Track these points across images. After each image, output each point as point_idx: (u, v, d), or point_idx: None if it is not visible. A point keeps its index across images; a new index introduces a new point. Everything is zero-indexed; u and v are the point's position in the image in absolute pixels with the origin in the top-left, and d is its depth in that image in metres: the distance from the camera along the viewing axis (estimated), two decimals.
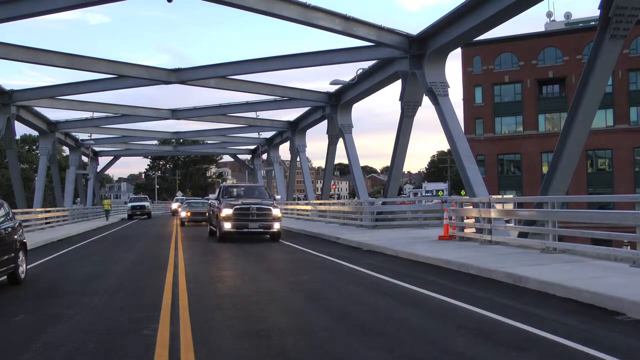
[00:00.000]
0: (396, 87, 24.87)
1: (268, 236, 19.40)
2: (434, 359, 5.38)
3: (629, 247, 14.55)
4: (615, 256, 10.30)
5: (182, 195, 54.67)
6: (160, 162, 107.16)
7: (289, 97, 30.75)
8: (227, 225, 18.50)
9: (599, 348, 5.44)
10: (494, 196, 18.59)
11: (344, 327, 6.59)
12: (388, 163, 26.85)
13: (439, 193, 76.38)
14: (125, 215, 46.13)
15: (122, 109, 34.20)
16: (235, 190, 22.33)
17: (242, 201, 19.33)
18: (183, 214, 32.60)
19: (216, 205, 20.31)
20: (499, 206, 14.73)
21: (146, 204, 47.70)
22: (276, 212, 18.93)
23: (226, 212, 18.60)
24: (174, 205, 46.12)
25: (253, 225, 18.55)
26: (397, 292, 8.99)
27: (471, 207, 15.37)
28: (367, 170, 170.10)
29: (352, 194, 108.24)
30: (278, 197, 20.32)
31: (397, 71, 22.51)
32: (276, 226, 18.77)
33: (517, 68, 54.12)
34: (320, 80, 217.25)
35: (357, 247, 16.41)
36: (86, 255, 16.10)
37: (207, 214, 27.21)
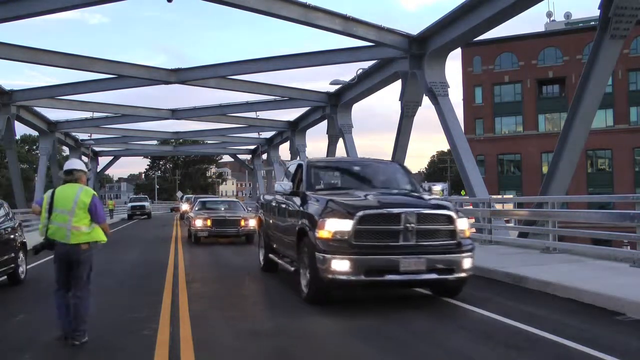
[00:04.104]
0: (396, 87, 24.84)
1: (430, 290, 8.42)
2: (433, 359, 5.38)
3: (629, 247, 14.54)
4: (615, 256, 10.31)
5: (183, 195, 53.29)
6: (160, 162, 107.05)
7: (288, 97, 30.69)
8: (343, 266, 7.24)
9: (599, 348, 5.44)
10: (494, 196, 18.63)
11: (343, 327, 6.60)
12: None
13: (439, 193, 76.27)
14: (125, 215, 46.22)
15: (122, 109, 34.12)
16: (334, 172, 10.17)
17: (379, 199, 7.91)
18: (199, 223, 18.62)
19: (289, 206, 9.26)
20: (498, 206, 14.74)
21: (146, 204, 47.84)
22: (463, 225, 7.78)
23: (336, 225, 7.39)
24: (185, 206, 32.85)
25: (412, 263, 7.30)
26: (397, 292, 8.97)
27: (471, 207, 15.37)
28: None
29: None
30: (437, 188, 10.88)
31: (397, 71, 22.47)
32: (466, 264, 7.63)
33: (517, 68, 54.14)
34: (320, 80, 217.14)
35: None
36: None
37: (241, 223, 18.46)
